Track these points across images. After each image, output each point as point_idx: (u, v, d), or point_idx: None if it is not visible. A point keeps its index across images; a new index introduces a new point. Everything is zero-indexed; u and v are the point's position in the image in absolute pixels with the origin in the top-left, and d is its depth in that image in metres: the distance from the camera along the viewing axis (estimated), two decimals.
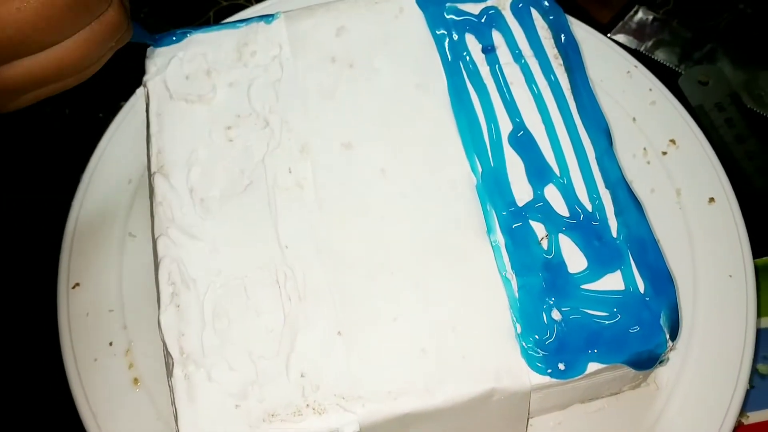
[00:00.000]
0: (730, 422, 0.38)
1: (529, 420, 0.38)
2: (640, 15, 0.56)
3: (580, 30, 0.47)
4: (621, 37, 0.55)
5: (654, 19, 0.56)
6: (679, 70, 0.54)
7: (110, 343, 0.40)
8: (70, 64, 0.32)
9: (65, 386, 0.39)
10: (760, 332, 0.44)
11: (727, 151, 0.50)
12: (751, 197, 0.49)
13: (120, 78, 0.46)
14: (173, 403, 0.33)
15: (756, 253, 0.43)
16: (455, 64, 0.40)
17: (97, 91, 0.53)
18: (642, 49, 0.55)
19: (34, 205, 0.48)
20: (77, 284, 0.41)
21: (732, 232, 0.42)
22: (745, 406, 0.43)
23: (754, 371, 0.44)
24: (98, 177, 0.44)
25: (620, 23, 0.56)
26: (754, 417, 0.43)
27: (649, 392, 0.39)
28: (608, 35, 0.54)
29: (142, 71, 0.41)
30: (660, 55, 0.55)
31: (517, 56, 0.41)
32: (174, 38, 0.41)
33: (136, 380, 0.39)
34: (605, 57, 0.47)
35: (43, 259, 0.42)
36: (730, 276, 0.41)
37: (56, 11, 0.30)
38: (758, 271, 0.43)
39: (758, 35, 0.55)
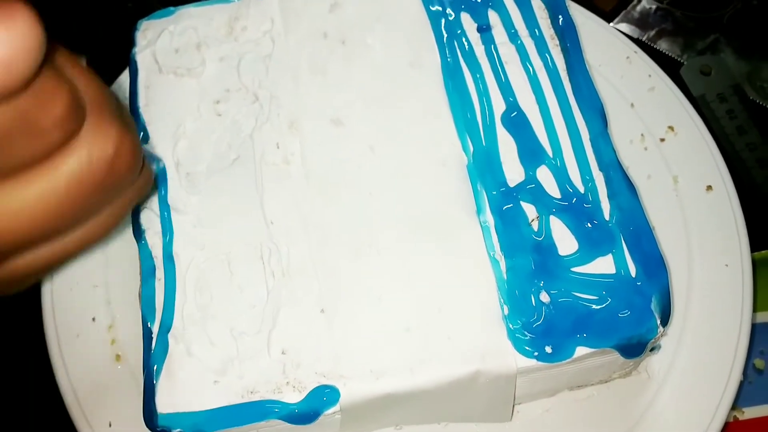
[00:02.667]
0: (722, 414, 0.37)
1: (517, 407, 0.37)
2: (643, 4, 0.55)
3: (580, 15, 0.46)
4: (624, 26, 0.54)
5: (657, 8, 0.55)
6: (682, 60, 0.53)
7: (93, 319, 0.39)
8: (94, 241, 0.26)
9: (47, 361, 0.38)
10: (756, 327, 0.43)
11: (728, 143, 0.49)
12: (752, 190, 0.48)
13: (119, 58, 0.46)
14: None
15: (754, 246, 0.42)
16: (450, 43, 0.40)
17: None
18: (644, 38, 0.54)
19: None
20: None
21: (729, 220, 0.41)
22: (741, 402, 0.42)
23: (750, 366, 0.43)
24: None
25: (623, 12, 0.55)
26: (750, 413, 0.42)
27: (640, 381, 0.38)
28: (611, 24, 0.53)
29: None
30: (662, 45, 0.54)
31: (513, 36, 0.40)
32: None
33: (118, 356, 0.38)
34: (604, 42, 0.46)
35: None
36: (726, 265, 0.40)
37: (81, 200, 0.23)
38: (756, 264, 0.42)
39: (762, 27, 0.54)
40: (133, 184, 0.25)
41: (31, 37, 0.19)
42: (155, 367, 0.32)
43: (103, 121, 0.22)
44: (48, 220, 0.22)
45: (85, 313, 0.39)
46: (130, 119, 0.24)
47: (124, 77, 0.45)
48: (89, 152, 0.22)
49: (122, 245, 0.40)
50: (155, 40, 0.40)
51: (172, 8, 0.41)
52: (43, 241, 0.23)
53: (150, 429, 0.32)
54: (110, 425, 0.37)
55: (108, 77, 0.46)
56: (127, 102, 0.39)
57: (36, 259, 0.24)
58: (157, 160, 0.36)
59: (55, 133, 0.21)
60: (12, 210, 0.21)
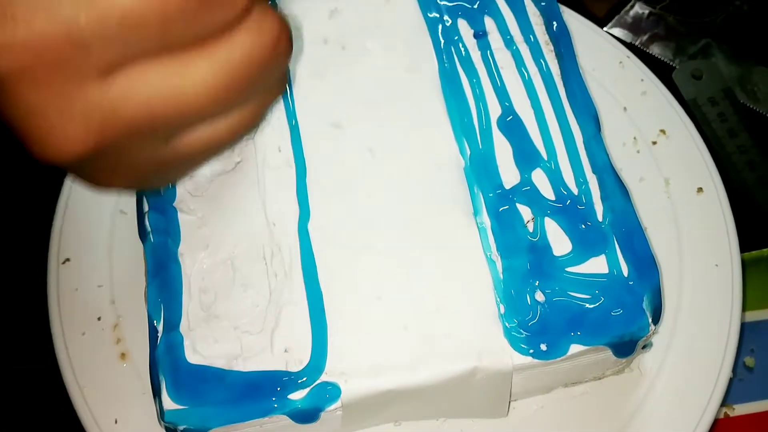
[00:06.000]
0: (713, 410, 0.38)
1: (513, 403, 0.38)
2: (636, 9, 0.56)
3: (574, 20, 0.47)
4: (616, 31, 0.55)
5: (650, 13, 0.56)
6: (674, 65, 0.54)
7: (98, 318, 0.40)
8: (242, 131, 0.28)
9: (53, 360, 0.39)
10: (747, 325, 0.44)
11: (720, 145, 0.50)
12: (742, 192, 0.49)
13: None
14: None
15: (744, 247, 0.43)
16: (447, 49, 0.41)
17: None
18: (637, 43, 0.55)
19: (26, 181, 0.49)
20: (67, 260, 0.41)
21: (719, 222, 0.42)
22: (732, 399, 0.43)
23: (741, 364, 0.44)
24: None
25: (616, 17, 0.56)
26: (740, 410, 0.43)
27: (632, 378, 0.39)
28: (603, 28, 0.54)
29: None
30: (655, 50, 0.55)
31: (509, 42, 0.41)
32: None
33: (123, 355, 0.39)
34: (598, 47, 0.47)
35: (34, 234, 0.43)
36: (717, 265, 0.41)
37: (235, 87, 0.25)
38: (745, 265, 0.43)
39: (753, 32, 0.55)
40: (280, 77, 0.28)
41: None
42: (161, 365, 0.33)
43: (266, 6, 0.24)
44: (223, 92, 0.24)
45: (90, 312, 0.40)
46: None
47: None
48: (260, 31, 0.24)
49: (127, 246, 0.41)
50: None
51: None
52: (213, 115, 0.26)
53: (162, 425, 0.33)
54: (116, 422, 0.38)
55: None
56: None
57: (202, 138, 0.26)
58: None
59: (241, 3, 0.23)
60: (194, 80, 0.23)
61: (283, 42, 0.25)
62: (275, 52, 0.25)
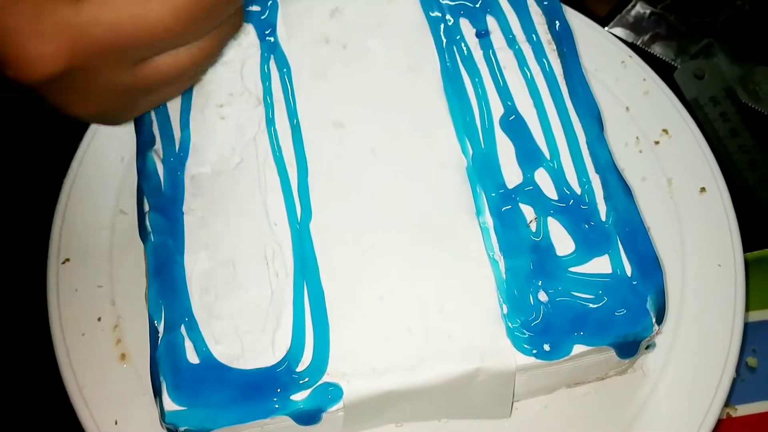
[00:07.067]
0: (716, 410, 0.38)
1: (515, 403, 0.38)
2: (637, 9, 0.56)
3: (576, 20, 0.47)
4: (618, 31, 0.55)
5: (651, 13, 0.56)
6: (675, 65, 0.54)
7: (98, 319, 0.40)
8: (202, 62, 0.32)
9: (53, 360, 0.39)
10: (749, 325, 0.44)
11: (721, 145, 0.50)
12: (744, 192, 0.49)
13: None
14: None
15: (747, 247, 0.43)
16: (449, 48, 0.40)
17: None
18: (639, 42, 0.55)
19: (26, 181, 0.48)
20: (67, 260, 0.41)
21: (722, 221, 0.42)
22: (734, 399, 0.43)
23: (743, 364, 0.44)
24: (91, 154, 0.44)
25: (617, 17, 0.56)
26: (743, 410, 0.43)
27: (635, 378, 0.39)
28: (605, 28, 0.54)
29: None
30: (656, 49, 0.55)
31: (511, 41, 0.41)
32: None
33: (123, 356, 0.39)
34: (600, 47, 0.47)
35: (34, 234, 0.42)
36: (719, 265, 0.41)
37: (193, 15, 0.28)
38: (748, 264, 0.43)
39: (755, 31, 0.55)
40: (231, 18, 0.31)
41: None
42: (162, 366, 0.33)
43: None
44: (183, 19, 0.27)
45: (90, 313, 0.40)
46: None
47: None
48: None
49: (127, 246, 0.41)
50: None
51: None
52: (175, 43, 0.29)
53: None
54: (116, 423, 0.37)
55: None
56: None
57: (165, 65, 0.29)
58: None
59: None
60: (156, 7, 0.26)
61: None
62: None
